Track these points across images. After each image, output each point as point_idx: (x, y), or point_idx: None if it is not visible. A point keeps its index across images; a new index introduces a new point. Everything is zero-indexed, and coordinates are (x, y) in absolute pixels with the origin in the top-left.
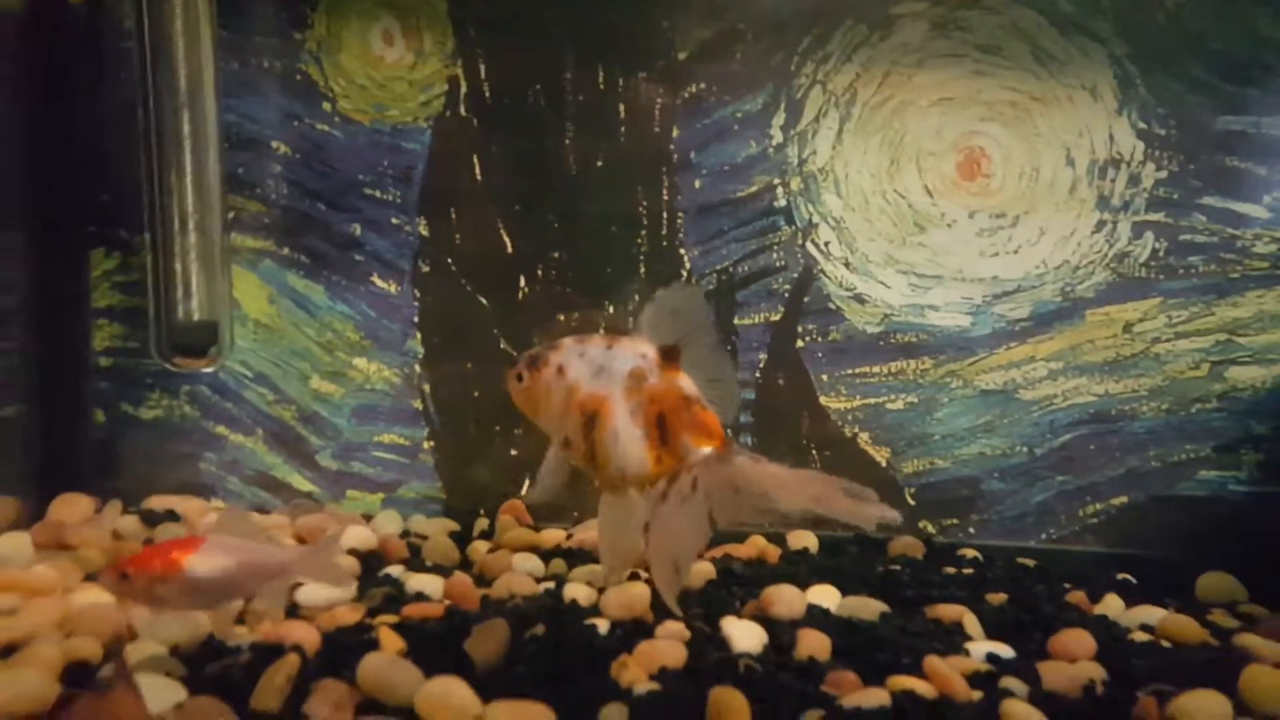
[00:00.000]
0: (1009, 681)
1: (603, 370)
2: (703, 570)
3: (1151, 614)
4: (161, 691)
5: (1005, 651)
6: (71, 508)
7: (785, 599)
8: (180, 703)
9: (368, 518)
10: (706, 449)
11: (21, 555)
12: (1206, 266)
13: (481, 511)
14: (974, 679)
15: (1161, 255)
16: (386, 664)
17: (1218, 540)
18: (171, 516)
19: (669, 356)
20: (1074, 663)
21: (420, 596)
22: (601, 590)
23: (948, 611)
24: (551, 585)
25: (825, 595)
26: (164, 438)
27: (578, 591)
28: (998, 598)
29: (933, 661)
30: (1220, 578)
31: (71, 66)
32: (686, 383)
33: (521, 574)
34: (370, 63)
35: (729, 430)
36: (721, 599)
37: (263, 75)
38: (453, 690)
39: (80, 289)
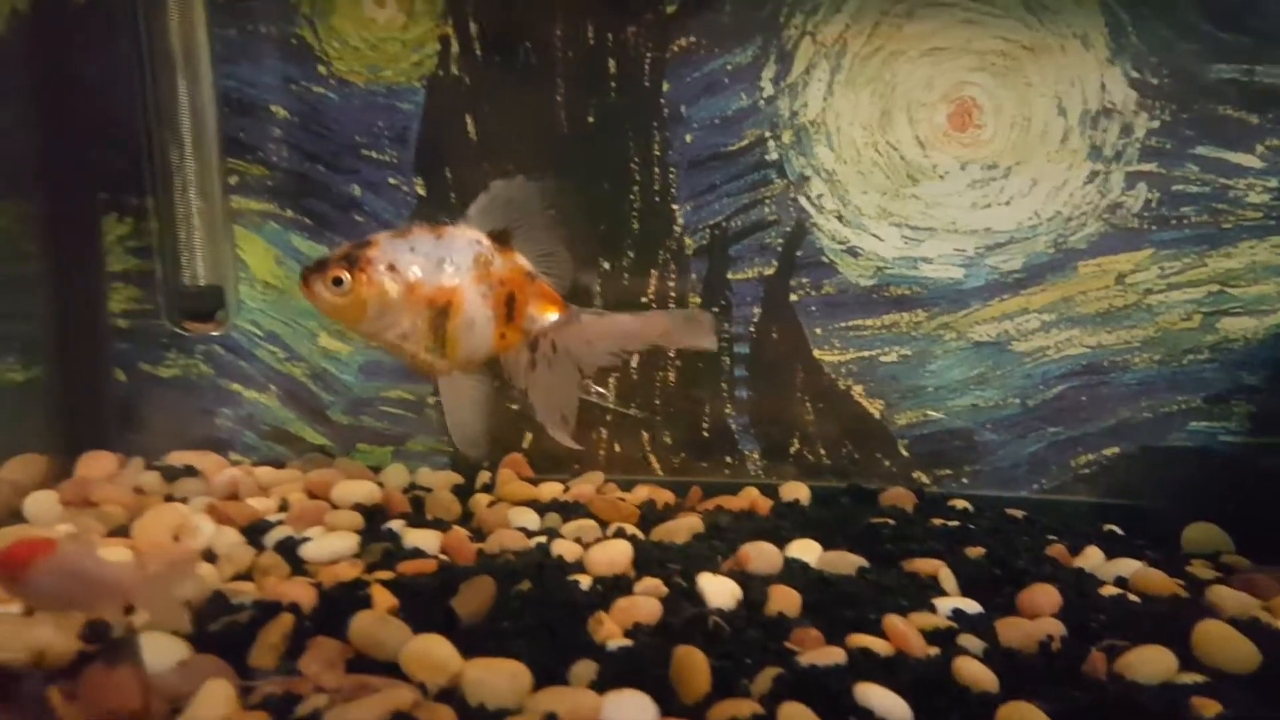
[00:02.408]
0: (966, 639)
1: (444, 261)
2: (689, 524)
3: (1128, 566)
4: (166, 649)
5: (972, 607)
6: (96, 465)
7: (762, 555)
8: (183, 660)
9: (377, 469)
10: (552, 314)
11: (49, 513)
12: (1199, 217)
13: (485, 464)
14: (933, 635)
15: (1154, 206)
16: (376, 622)
17: (1207, 491)
18: (190, 472)
19: (501, 240)
20: (1035, 619)
21: (417, 552)
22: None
23: (924, 566)
24: (543, 539)
25: (806, 549)
26: (182, 395)
27: (565, 548)
28: (976, 551)
29: (892, 620)
30: (1206, 529)
31: (78, 33)
32: (523, 260)
33: (514, 530)
34: (363, 24)
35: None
36: (703, 554)
37: (259, 40)
38: (434, 648)
39: (95, 254)
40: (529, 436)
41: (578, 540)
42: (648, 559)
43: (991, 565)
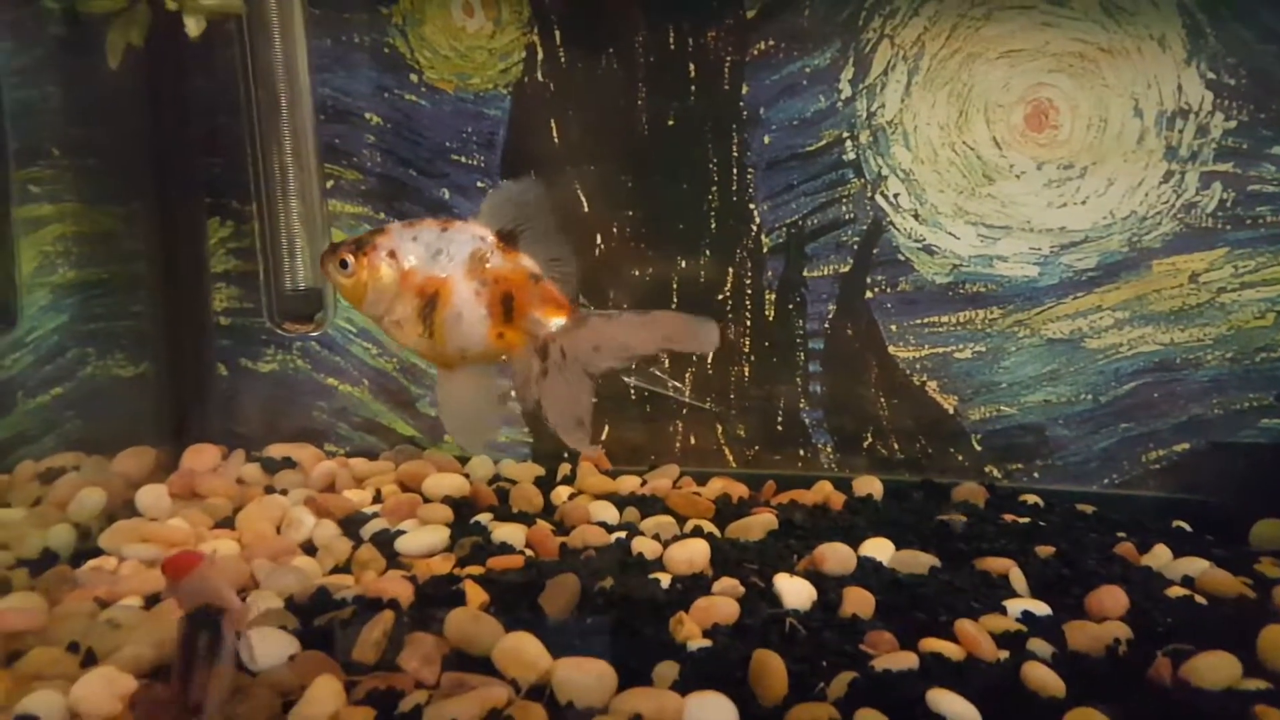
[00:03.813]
0: (1035, 643)
1: (441, 253)
2: (764, 521)
3: (1195, 566)
4: (276, 645)
5: (1042, 609)
6: (201, 457)
7: (837, 556)
8: (293, 655)
9: (463, 461)
10: (560, 319)
11: (159, 506)
12: (1274, 216)
13: (565, 455)
14: (1003, 638)
15: (1229, 205)
16: (470, 619)
17: (1277, 487)
18: (288, 464)
19: (507, 240)
20: (1102, 622)
21: (505, 547)
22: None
23: (996, 565)
24: (624, 535)
25: (879, 548)
26: (281, 389)
27: (644, 545)
28: (1046, 550)
29: (963, 624)
30: (1274, 525)
31: (188, 51)
32: (529, 262)
33: (595, 525)
34: (452, 33)
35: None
36: (778, 553)
37: (354, 50)
38: (525, 646)
39: (199, 255)
40: (606, 429)
41: (656, 537)
42: (725, 558)
43: (1061, 564)
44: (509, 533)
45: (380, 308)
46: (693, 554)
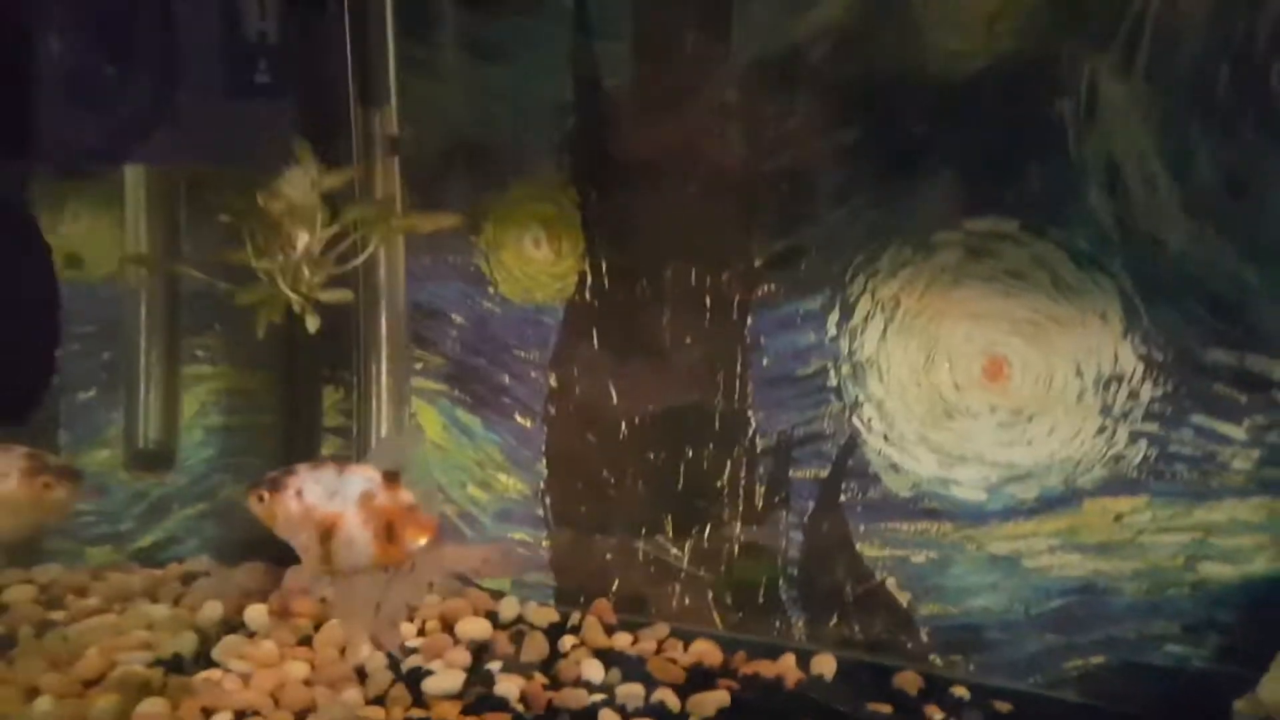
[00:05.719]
0: None
1: (336, 493)
2: (718, 699)
3: None
4: None
5: None
6: (298, 576)
7: None
8: None
9: (500, 595)
10: (424, 539)
11: (260, 621)
12: (1190, 474)
13: (581, 599)
14: None
15: (1152, 461)
16: None
17: (1176, 706)
18: None
19: (391, 479)
20: None
21: (501, 703)
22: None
23: None
24: (600, 698)
25: None
26: None
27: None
28: None
29: None
30: None
31: None
32: (406, 495)
33: (580, 688)
34: (523, 259)
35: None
36: None
37: (447, 267)
38: None
39: (315, 412)
40: (617, 582)
41: (621, 709)
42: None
43: None
44: (508, 687)
45: (288, 534)
46: None
